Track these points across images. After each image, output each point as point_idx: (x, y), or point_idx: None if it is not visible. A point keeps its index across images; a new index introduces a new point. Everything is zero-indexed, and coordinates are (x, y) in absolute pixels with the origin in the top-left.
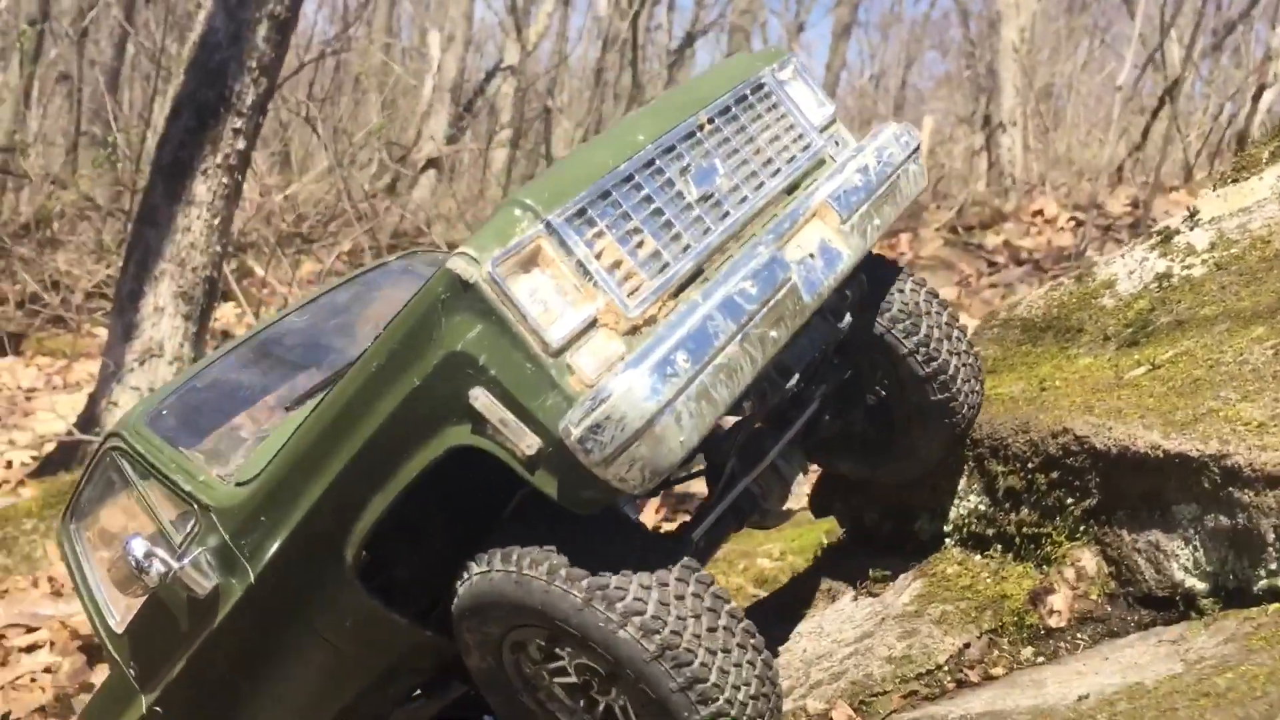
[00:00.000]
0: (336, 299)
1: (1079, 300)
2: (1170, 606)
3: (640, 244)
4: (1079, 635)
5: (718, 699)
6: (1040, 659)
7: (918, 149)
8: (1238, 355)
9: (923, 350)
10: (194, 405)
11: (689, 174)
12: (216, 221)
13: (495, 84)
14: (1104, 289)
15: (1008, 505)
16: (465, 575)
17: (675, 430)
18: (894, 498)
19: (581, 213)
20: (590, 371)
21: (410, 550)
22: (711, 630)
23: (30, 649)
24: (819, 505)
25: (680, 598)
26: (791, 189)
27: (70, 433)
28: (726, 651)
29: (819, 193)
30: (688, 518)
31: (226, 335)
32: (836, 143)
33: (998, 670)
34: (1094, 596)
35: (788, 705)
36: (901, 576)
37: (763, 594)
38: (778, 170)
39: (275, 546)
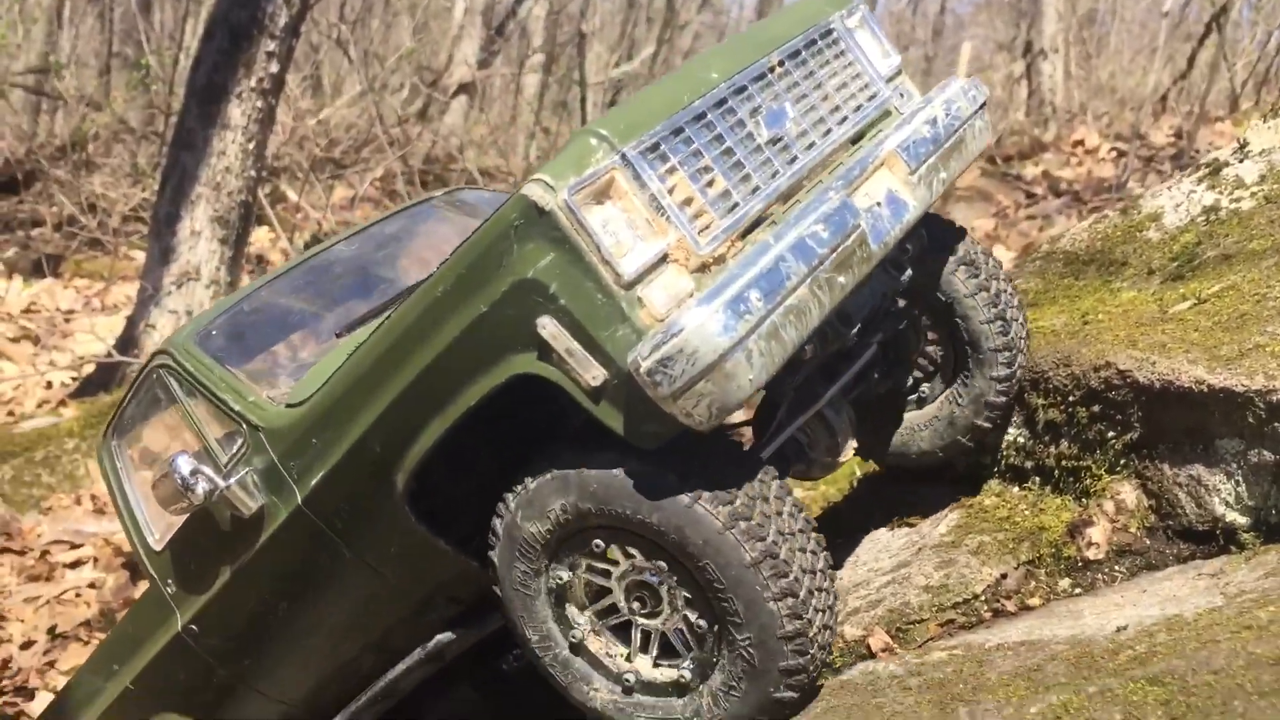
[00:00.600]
0: (383, 230)
1: (1123, 233)
2: (1210, 540)
3: (711, 182)
4: (1116, 568)
5: (803, 615)
6: (1077, 590)
7: (985, 104)
8: None
9: (984, 294)
10: (243, 327)
11: (759, 115)
12: (251, 145)
13: (527, 7)
14: (1149, 222)
15: (1047, 438)
16: (528, 488)
17: (745, 368)
18: None
19: (655, 147)
20: (660, 306)
21: (454, 477)
22: (804, 550)
23: (74, 565)
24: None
25: (779, 513)
26: (857, 139)
27: (109, 354)
28: (813, 572)
29: (888, 142)
30: None
31: (261, 260)
32: (902, 94)
33: (1034, 601)
34: (1133, 530)
35: None
36: (939, 509)
37: None
38: (844, 118)
39: (325, 469)
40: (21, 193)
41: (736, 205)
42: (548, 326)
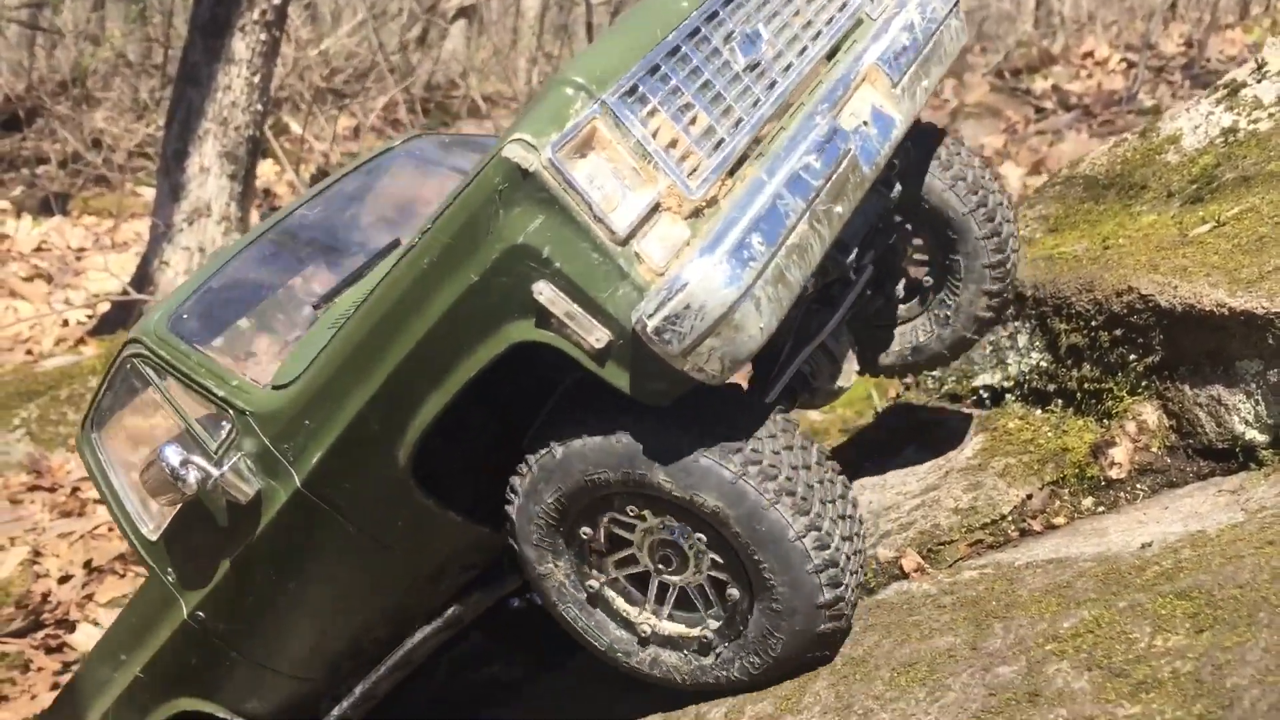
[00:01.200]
0: (345, 188)
1: (1143, 156)
2: (1229, 458)
3: (693, 120)
4: (1138, 486)
5: (829, 545)
6: (1101, 509)
7: (958, 1)
8: None
9: (982, 209)
10: (214, 305)
11: (734, 42)
12: (256, 79)
13: None
14: (1168, 144)
15: (1070, 362)
16: (546, 451)
17: (755, 316)
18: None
19: (634, 90)
20: (659, 259)
21: (453, 444)
22: (820, 482)
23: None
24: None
25: (789, 448)
26: (832, 53)
27: (125, 292)
28: (832, 501)
29: (867, 56)
30: None
31: (268, 194)
32: (864, 2)
33: (1059, 520)
34: (1154, 449)
35: None
36: (963, 432)
37: None
38: (818, 33)
39: (322, 450)
40: (24, 130)
41: (722, 141)
42: (544, 291)
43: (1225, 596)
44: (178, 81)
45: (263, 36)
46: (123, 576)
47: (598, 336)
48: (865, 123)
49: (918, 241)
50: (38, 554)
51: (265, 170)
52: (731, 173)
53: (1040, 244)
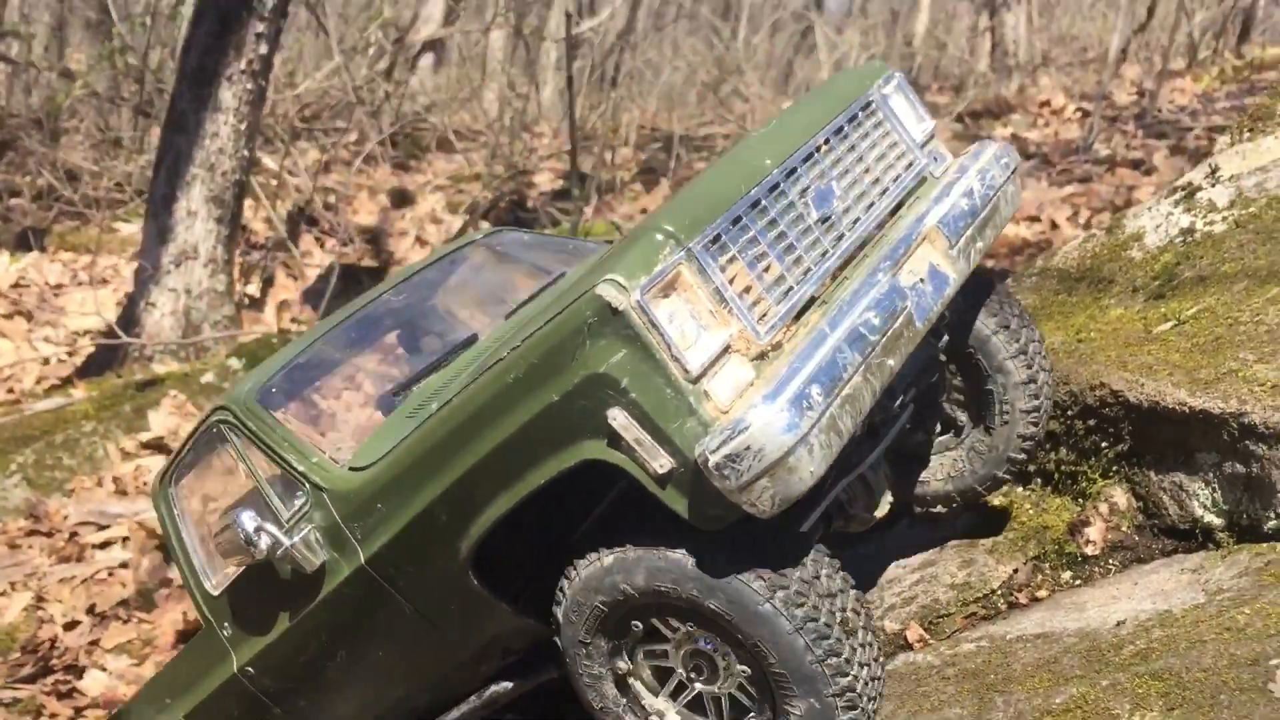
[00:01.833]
0: (427, 277)
1: (1110, 252)
2: (1190, 537)
3: (767, 268)
4: (1111, 560)
5: (849, 674)
6: (1078, 582)
7: (1016, 169)
8: (1254, 315)
9: (1022, 357)
10: (300, 383)
11: (808, 196)
12: (243, 126)
13: None
14: (1133, 241)
15: (1048, 445)
16: (592, 563)
17: (807, 461)
18: None
19: (717, 239)
20: (724, 398)
21: (508, 539)
22: (843, 610)
23: (104, 545)
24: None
25: (817, 577)
26: (896, 209)
27: (112, 332)
28: (854, 632)
29: (929, 217)
30: None
31: (245, 229)
32: (935, 159)
33: (1042, 593)
34: (1124, 528)
35: None
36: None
37: None
38: (885, 190)
39: (390, 534)
40: None
41: (791, 290)
42: (618, 418)
43: (1192, 679)
44: (165, 128)
45: (249, 86)
46: (126, 622)
47: (662, 463)
48: (922, 280)
49: (958, 382)
50: (40, 599)
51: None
52: (797, 318)
53: None
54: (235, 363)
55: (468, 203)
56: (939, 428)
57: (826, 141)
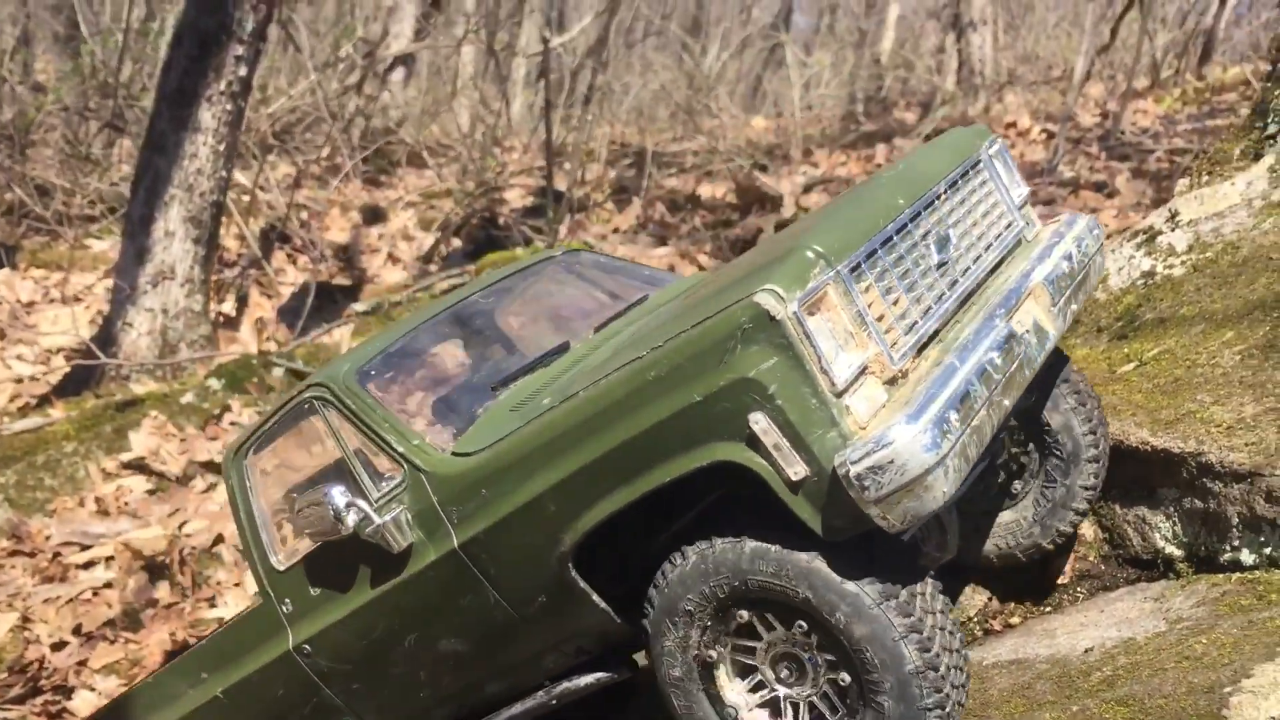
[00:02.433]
0: (506, 285)
1: None
2: (1153, 567)
3: (895, 301)
4: (1078, 588)
5: (943, 689)
6: (1048, 609)
7: (1104, 242)
8: (1210, 358)
9: (1091, 436)
10: (397, 369)
11: (929, 240)
12: (221, 147)
13: None
14: (1098, 283)
15: None
16: (706, 545)
17: (943, 482)
18: None
19: (857, 266)
20: (863, 414)
21: (605, 536)
22: (943, 628)
23: (87, 565)
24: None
25: (923, 593)
26: (996, 266)
27: (87, 350)
28: (952, 651)
29: (1035, 274)
30: None
31: (218, 246)
32: (1028, 223)
33: (1014, 620)
34: (1091, 558)
35: None
36: None
37: None
38: (989, 245)
39: (491, 520)
40: None
41: (915, 324)
42: (760, 422)
43: (1153, 705)
44: (144, 148)
45: (228, 107)
46: (113, 642)
47: (797, 470)
48: (1029, 331)
49: (1021, 446)
50: (26, 620)
51: None
52: (919, 352)
53: None
54: (215, 383)
55: (440, 219)
56: (995, 488)
57: (945, 192)
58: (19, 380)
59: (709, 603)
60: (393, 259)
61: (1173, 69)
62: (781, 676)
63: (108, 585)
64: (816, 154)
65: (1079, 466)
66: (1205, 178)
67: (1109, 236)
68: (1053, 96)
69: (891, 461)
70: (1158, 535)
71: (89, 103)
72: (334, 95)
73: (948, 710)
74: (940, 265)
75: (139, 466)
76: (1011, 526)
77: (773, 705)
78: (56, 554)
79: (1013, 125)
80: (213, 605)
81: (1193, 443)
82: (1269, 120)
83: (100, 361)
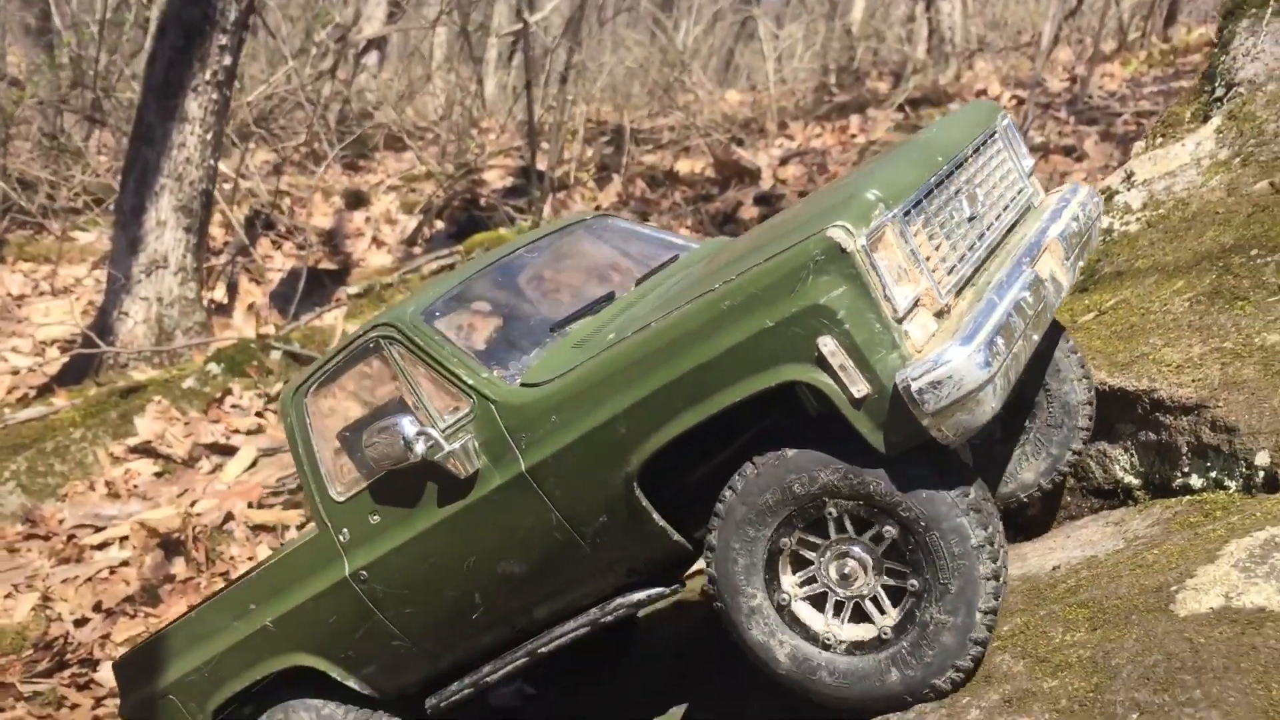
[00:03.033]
0: (543, 243)
1: None
2: (1113, 496)
3: (938, 245)
4: (1048, 519)
5: (1000, 597)
6: (1021, 538)
7: (1102, 210)
8: (1163, 305)
9: (1088, 408)
10: (459, 311)
11: (961, 196)
12: (209, 136)
13: None
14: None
15: None
16: (775, 454)
17: (991, 397)
18: None
19: (909, 211)
20: (919, 339)
21: (670, 460)
22: (1003, 546)
23: (101, 546)
24: None
25: (984, 495)
26: (1012, 228)
27: (92, 342)
28: (1004, 565)
29: (1050, 230)
30: None
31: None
32: (1035, 190)
33: None
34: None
35: None
36: None
37: None
38: (1007, 207)
39: (559, 444)
40: None
41: (955, 267)
42: (829, 344)
43: (1110, 604)
44: (132, 140)
45: (214, 96)
46: (134, 617)
47: (859, 389)
48: (1048, 279)
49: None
50: (47, 599)
51: None
52: (957, 294)
53: None
54: (214, 367)
55: (422, 202)
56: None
57: (972, 154)
58: (15, 372)
59: (789, 500)
60: (377, 242)
61: (1139, 31)
62: (833, 576)
63: (124, 564)
64: (791, 126)
65: (1067, 434)
66: (1159, 140)
67: None
68: (1022, 63)
69: (950, 376)
70: (1117, 467)
71: (65, 96)
72: (309, 80)
73: (993, 622)
74: (970, 219)
75: (146, 450)
76: (1013, 469)
77: (817, 599)
78: (71, 536)
79: (983, 93)
80: (227, 579)
81: (1146, 381)
82: (1215, 84)
83: (100, 350)
